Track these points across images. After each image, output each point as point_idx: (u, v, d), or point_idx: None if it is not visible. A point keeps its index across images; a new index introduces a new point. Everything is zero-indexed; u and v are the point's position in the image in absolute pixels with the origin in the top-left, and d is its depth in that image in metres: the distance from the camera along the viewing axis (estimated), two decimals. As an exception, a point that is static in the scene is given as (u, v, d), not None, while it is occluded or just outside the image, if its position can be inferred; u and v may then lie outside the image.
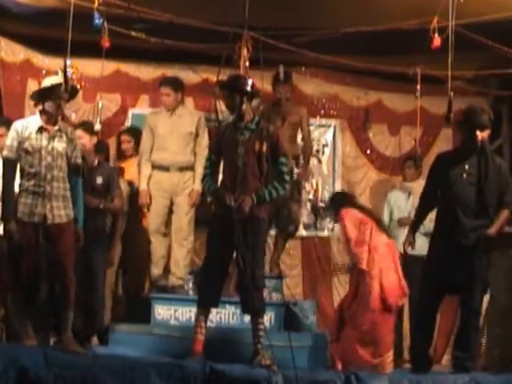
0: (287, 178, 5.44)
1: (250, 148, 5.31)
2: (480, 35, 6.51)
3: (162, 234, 6.84)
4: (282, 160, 5.39)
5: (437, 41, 6.19)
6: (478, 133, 5.56)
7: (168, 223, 6.86)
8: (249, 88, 5.37)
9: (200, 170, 6.61)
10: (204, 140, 6.84)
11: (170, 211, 6.83)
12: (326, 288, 8.16)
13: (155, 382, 4.66)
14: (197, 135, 6.83)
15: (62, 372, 4.56)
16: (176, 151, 6.76)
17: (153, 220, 6.85)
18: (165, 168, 6.78)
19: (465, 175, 5.59)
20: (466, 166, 5.61)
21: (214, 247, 5.32)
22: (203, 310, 5.34)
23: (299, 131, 7.07)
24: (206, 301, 5.34)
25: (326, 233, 8.22)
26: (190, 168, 6.80)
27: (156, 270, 6.83)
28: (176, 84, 6.94)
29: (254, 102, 5.53)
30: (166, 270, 6.86)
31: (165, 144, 6.79)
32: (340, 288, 8.15)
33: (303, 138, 7.13)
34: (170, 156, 6.76)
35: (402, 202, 7.41)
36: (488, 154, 5.61)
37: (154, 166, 6.85)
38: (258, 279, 5.22)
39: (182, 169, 6.76)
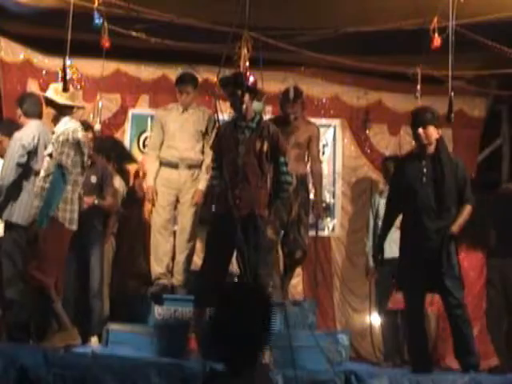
0: (288, 178, 5.45)
1: (250, 147, 5.30)
2: (480, 35, 6.51)
3: (168, 230, 6.78)
4: (282, 160, 5.40)
5: (437, 41, 6.18)
6: (421, 131, 5.63)
7: (173, 221, 6.80)
8: (250, 85, 5.37)
9: (205, 169, 6.61)
10: (212, 139, 6.78)
11: (175, 209, 6.78)
12: (326, 288, 8.16)
13: (155, 382, 4.66)
14: (206, 133, 6.76)
15: (62, 372, 4.56)
16: (186, 149, 6.69)
17: (158, 216, 6.76)
18: (173, 165, 6.71)
19: (424, 178, 5.64)
20: (424, 169, 5.66)
21: (214, 246, 5.32)
22: (201, 309, 5.33)
23: (307, 151, 6.80)
24: (205, 301, 5.34)
25: (326, 233, 8.22)
26: (199, 166, 6.72)
27: (158, 268, 6.71)
28: (195, 81, 6.86)
29: (258, 106, 5.51)
30: (168, 269, 6.81)
31: (174, 141, 6.71)
32: (340, 288, 8.16)
33: (312, 160, 6.83)
34: (179, 153, 6.69)
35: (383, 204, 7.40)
36: (442, 154, 5.64)
37: (163, 163, 6.79)
38: (262, 278, 5.21)
39: (190, 166, 6.67)
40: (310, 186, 6.87)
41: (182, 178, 6.67)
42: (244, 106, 5.35)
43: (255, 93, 5.44)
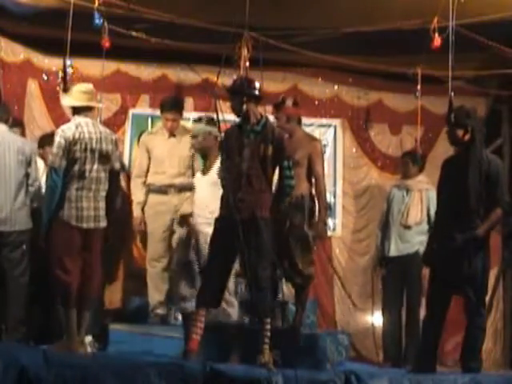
0: (291, 182, 5.44)
1: (254, 151, 5.30)
2: (480, 35, 6.51)
3: (164, 260, 6.67)
4: (285, 164, 5.38)
5: (437, 41, 6.19)
6: (458, 130, 5.61)
7: (168, 248, 6.71)
8: (255, 91, 5.37)
9: None
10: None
11: (171, 234, 6.70)
12: (326, 288, 8.15)
13: (155, 382, 4.66)
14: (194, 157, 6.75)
15: (62, 372, 4.56)
16: (175, 174, 6.66)
17: (154, 244, 6.71)
18: (163, 191, 6.66)
19: (455, 177, 5.62)
20: (455, 168, 5.66)
21: (216, 247, 5.32)
22: (202, 310, 5.32)
23: (307, 169, 5.96)
24: (206, 301, 5.33)
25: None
26: (189, 188, 6.65)
27: (157, 296, 6.65)
28: (181, 107, 6.86)
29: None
30: (168, 296, 6.72)
31: (163, 167, 6.70)
32: (341, 287, 8.15)
33: (316, 180, 5.98)
34: (168, 179, 6.65)
35: (399, 200, 7.41)
36: (470, 154, 5.60)
37: (152, 190, 6.74)
38: (262, 280, 5.20)
39: (181, 190, 6.67)
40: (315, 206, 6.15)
41: (173, 201, 6.63)
42: (243, 110, 5.34)
43: (259, 97, 5.43)
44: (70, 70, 5.95)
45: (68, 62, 5.67)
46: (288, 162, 5.40)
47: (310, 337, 5.90)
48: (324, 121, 8.34)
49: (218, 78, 5.56)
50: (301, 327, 6.03)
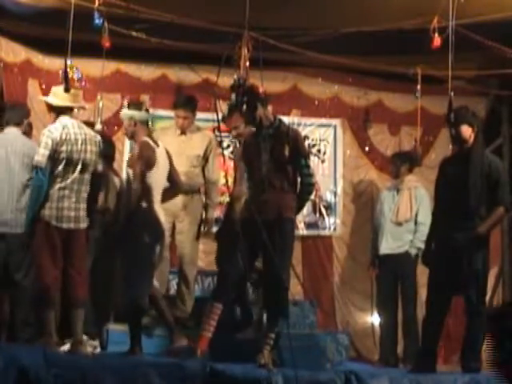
0: (310, 180, 5.45)
1: (271, 153, 5.32)
2: (480, 35, 6.51)
3: (164, 261, 6.58)
4: (302, 162, 5.39)
5: (437, 41, 6.19)
6: (465, 128, 5.61)
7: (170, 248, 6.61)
8: (258, 96, 5.39)
9: (213, 196, 6.56)
10: (215, 166, 6.67)
11: (173, 234, 6.62)
12: (327, 288, 8.15)
13: (155, 382, 4.67)
14: (206, 160, 6.68)
15: (62, 372, 4.56)
16: (182, 173, 6.64)
17: None
18: None
19: (453, 177, 5.62)
20: (453, 168, 5.66)
21: (237, 247, 5.31)
22: (217, 306, 5.30)
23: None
24: (223, 297, 5.32)
25: (327, 232, 8.22)
26: (197, 191, 6.64)
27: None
28: (194, 105, 6.75)
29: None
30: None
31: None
32: (342, 287, 8.16)
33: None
34: None
35: (390, 200, 7.43)
36: (473, 153, 5.60)
37: None
38: (284, 281, 5.20)
39: (187, 192, 6.51)
40: None
41: (178, 204, 6.57)
42: (257, 117, 5.37)
43: (263, 101, 5.44)
44: (74, 71, 5.96)
45: (68, 62, 5.67)
46: (305, 160, 5.42)
47: (310, 337, 5.91)
48: (324, 121, 8.35)
49: (217, 77, 5.57)
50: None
